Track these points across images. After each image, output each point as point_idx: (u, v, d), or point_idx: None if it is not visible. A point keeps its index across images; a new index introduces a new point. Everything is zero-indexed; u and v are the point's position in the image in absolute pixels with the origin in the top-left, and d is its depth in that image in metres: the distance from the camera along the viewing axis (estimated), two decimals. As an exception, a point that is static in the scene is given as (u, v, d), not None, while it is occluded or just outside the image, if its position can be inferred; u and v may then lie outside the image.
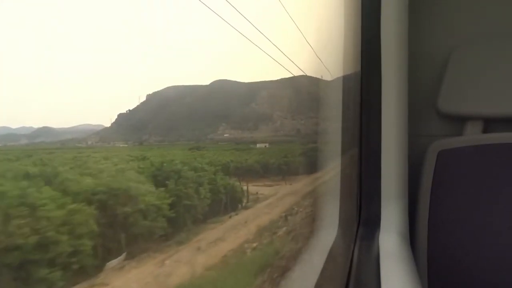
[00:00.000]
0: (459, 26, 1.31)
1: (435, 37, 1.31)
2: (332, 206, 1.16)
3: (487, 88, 1.22)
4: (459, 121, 1.27)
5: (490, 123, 1.24)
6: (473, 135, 1.23)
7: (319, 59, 1.33)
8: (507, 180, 1.14)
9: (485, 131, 1.24)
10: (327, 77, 1.54)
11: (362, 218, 1.20)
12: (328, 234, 1.11)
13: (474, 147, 1.19)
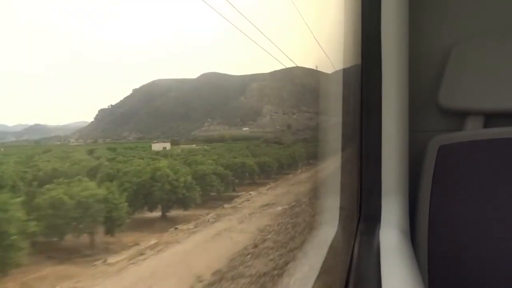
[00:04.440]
0: (460, 22, 1.39)
1: (436, 33, 1.39)
2: (333, 201, 1.23)
3: (488, 83, 1.31)
4: (459, 116, 1.35)
5: (490, 118, 1.32)
6: (473, 130, 1.31)
7: (324, 52, 1.40)
8: (507, 174, 1.23)
9: (485, 126, 1.32)
10: (325, 69, 1.61)
11: (363, 213, 1.28)
12: (328, 229, 1.18)
13: (474, 142, 1.27)
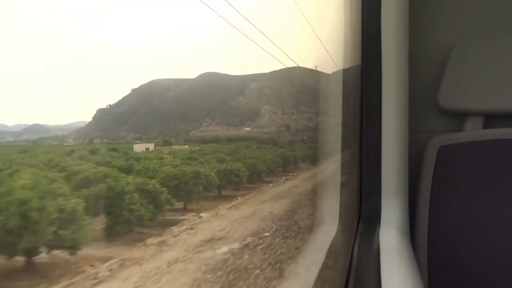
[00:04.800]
0: (460, 23, 1.40)
1: (435, 33, 1.40)
2: (332, 202, 1.24)
3: (488, 84, 1.32)
4: (459, 117, 1.36)
5: (490, 119, 1.33)
6: (473, 131, 1.32)
7: (327, 51, 1.41)
8: (507, 175, 1.24)
9: (485, 126, 1.33)
10: (325, 69, 1.62)
11: (363, 214, 1.29)
12: (328, 230, 1.19)
13: (474, 142, 1.28)
